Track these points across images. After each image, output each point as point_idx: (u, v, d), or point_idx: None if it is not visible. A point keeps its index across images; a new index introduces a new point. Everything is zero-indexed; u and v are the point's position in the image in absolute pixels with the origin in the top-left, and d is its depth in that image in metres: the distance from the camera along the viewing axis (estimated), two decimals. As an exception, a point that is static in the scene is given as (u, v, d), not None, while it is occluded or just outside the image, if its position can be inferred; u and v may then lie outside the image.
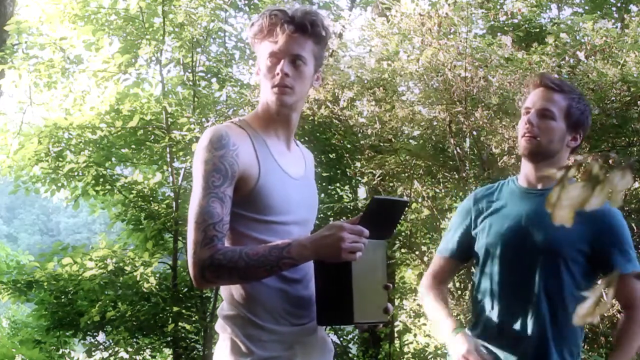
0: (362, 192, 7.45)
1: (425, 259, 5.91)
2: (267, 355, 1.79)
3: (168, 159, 7.06)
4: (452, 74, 4.79)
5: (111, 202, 7.73)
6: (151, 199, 7.15)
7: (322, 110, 5.39)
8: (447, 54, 4.78)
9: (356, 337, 7.26)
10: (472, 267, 3.09)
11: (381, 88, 5.26)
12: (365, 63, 5.32)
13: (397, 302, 6.79)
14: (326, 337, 1.97)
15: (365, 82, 5.38)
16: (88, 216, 19.81)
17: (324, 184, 6.81)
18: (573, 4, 8.16)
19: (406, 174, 5.51)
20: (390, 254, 5.82)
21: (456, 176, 5.23)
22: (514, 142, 4.63)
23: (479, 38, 5.18)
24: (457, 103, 4.84)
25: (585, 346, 4.29)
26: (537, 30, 6.16)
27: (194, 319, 6.99)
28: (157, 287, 7.03)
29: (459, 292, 5.11)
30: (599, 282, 2.25)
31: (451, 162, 5.27)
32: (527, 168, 2.28)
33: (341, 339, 7.00)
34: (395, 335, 7.03)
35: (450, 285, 4.77)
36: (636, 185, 4.83)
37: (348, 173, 6.31)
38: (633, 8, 7.65)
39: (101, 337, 7.51)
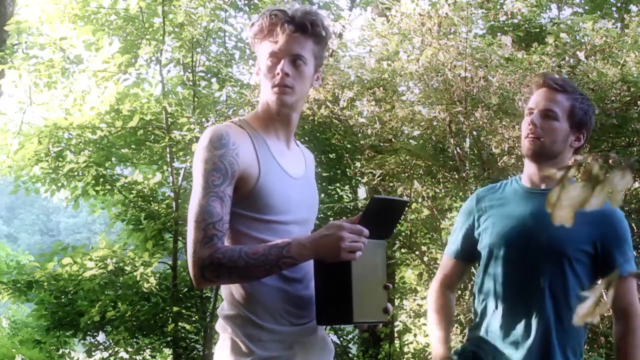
0: (362, 192, 7.45)
1: (425, 259, 5.91)
2: (267, 355, 1.79)
3: (168, 159, 7.06)
4: (452, 74, 4.79)
5: (111, 202, 7.73)
6: (151, 199, 7.15)
7: (322, 110, 5.39)
8: (447, 54, 4.78)
9: (356, 337, 7.26)
10: (473, 267, 3.09)
11: (381, 88, 5.25)
12: (365, 63, 5.32)
13: (397, 302, 6.79)
14: (326, 337, 1.97)
15: (365, 82, 5.38)
16: (88, 216, 19.81)
17: (324, 184, 6.81)
18: (573, 4, 8.16)
19: (406, 174, 5.51)
20: (390, 254, 5.82)
21: (456, 176, 5.23)
22: (514, 142, 4.63)
23: (479, 38, 5.18)
24: (457, 103, 4.84)
25: (585, 346, 4.28)
26: (537, 30, 6.16)
27: (194, 319, 6.99)
28: (157, 287, 7.04)
29: (459, 292, 5.11)
30: (599, 282, 2.25)
31: (451, 162, 5.27)
32: (530, 168, 2.27)
33: (341, 339, 7.00)
34: (395, 335, 7.04)
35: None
36: (636, 185, 4.83)
37: (348, 173, 6.31)
38: (633, 8, 7.65)
39: (101, 337, 7.51)
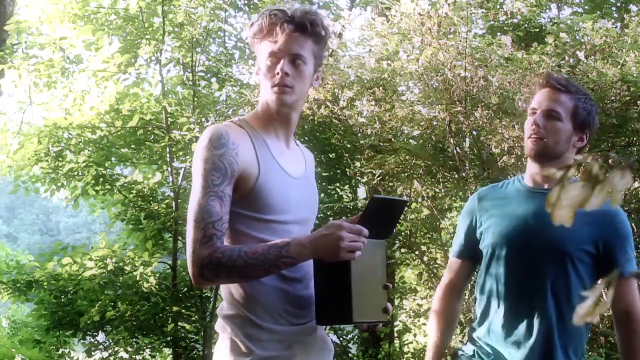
0: (362, 192, 7.45)
1: (425, 259, 5.91)
2: (267, 355, 1.79)
3: (168, 159, 7.06)
4: (452, 74, 4.79)
5: (111, 202, 7.73)
6: (151, 199, 7.16)
7: (322, 110, 5.39)
8: (447, 54, 4.78)
9: (356, 337, 7.26)
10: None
11: (381, 88, 5.25)
12: (365, 63, 5.32)
13: (397, 302, 6.79)
14: (326, 337, 1.97)
15: (365, 82, 5.37)
16: (88, 216, 19.81)
17: (324, 184, 6.81)
18: (573, 4, 8.16)
19: (406, 174, 5.51)
20: (390, 254, 5.82)
21: (456, 176, 5.23)
22: (514, 142, 4.63)
23: (479, 38, 5.18)
24: (457, 103, 4.84)
25: (585, 346, 4.28)
26: (537, 30, 6.16)
27: (194, 319, 6.99)
28: (157, 287, 7.04)
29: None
30: (599, 282, 2.25)
31: (451, 162, 5.27)
32: (533, 168, 2.26)
33: (341, 339, 7.01)
34: (395, 335, 7.04)
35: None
36: (636, 185, 4.83)
37: (348, 173, 6.31)
38: (633, 8, 7.65)
39: (101, 337, 7.51)
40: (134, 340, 7.17)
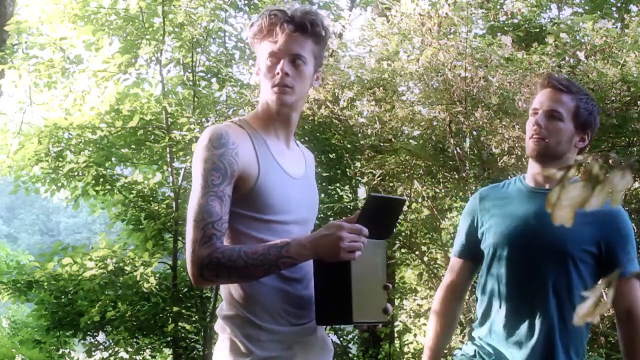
0: (362, 192, 7.45)
1: (425, 259, 5.91)
2: (266, 355, 1.78)
3: (168, 159, 7.06)
4: (452, 74, 4.79)
5: (111, 202, 7.74)
6: (151, 199, 7.16)
7: (322, 110, 5.39)
8: (447, 54, 4.78)
9: (356, 337, 7.26)
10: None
11: (381, 88, 5.25)
12: (365, 63, 5.32)
13: (397, 302, 6.79)
14: (326, 337, 1.97)
15: (365, 82, 5.37)
16: (88, 216, 19.81)
17: (324, 184, 6.81)
18: (573, 4, 8.16)
19: (406, 174, 5.51)
20: (390, 254, 5.82)
21: (456, 176, 5.23)
22: (514, 142, 4.63)
23: (479, 38, 5.18)
24: (457, 103, 4.84)
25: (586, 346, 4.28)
26: (537, 30, 6.16)
27: (194, 319, 6.99)
28: (157, 287, 7.04)
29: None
30: (599, 282, 2.24)
31: (451, 162, 5.27)
32: (534, 168, 2.26)
33: (341, 339, 7.00)
34: (395, 335, 7.04)
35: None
36: (636, 185, 4.83)
37: (348, 173, 6.31)
38: (633, 8, 7.65)
39: (101, 337, 7.51)
40: (134, 340, 7.17)
